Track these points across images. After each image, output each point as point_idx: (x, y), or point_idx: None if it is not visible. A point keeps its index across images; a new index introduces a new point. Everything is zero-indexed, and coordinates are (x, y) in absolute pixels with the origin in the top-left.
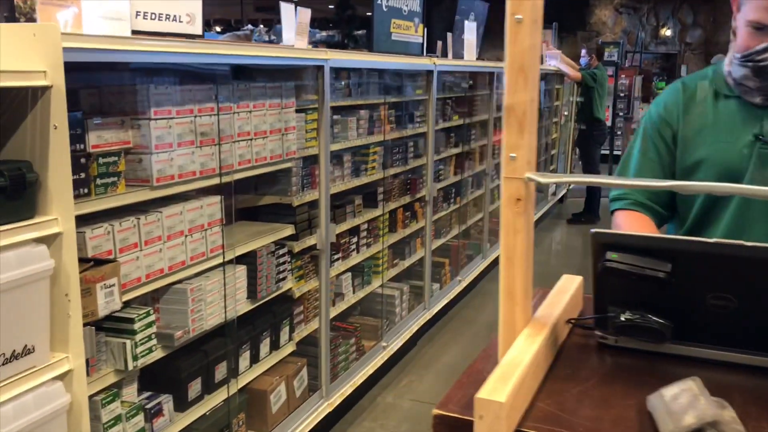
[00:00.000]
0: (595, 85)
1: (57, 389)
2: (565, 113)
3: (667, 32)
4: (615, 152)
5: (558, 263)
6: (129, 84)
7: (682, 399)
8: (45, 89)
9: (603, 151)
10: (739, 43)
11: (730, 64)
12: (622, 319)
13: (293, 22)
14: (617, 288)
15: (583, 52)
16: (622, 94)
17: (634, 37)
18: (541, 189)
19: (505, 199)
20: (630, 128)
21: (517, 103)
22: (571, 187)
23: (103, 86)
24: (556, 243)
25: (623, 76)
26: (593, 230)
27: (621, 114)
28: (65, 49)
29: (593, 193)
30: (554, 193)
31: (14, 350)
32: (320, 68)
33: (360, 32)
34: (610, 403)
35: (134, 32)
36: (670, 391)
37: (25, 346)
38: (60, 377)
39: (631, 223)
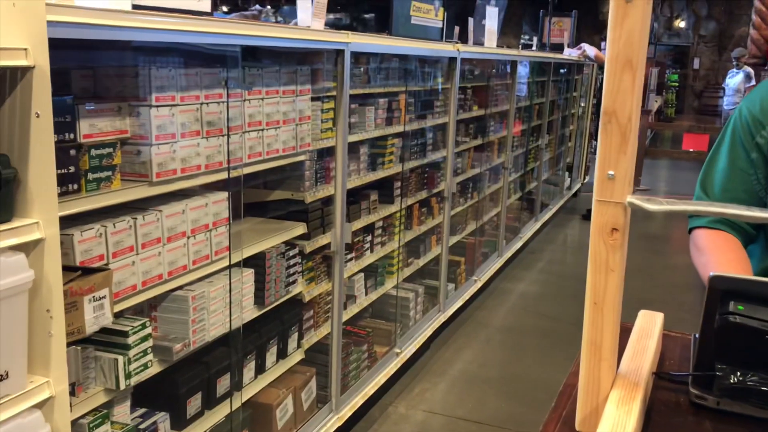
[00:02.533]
0: None
1: (35, 420)
2: (582, 104)
3: (681, 24)
4: None
5: (574, 262)
6: (127, 65)
7: None
8: (26, 70)
9: None
10: None
11: None
12: (733, 380)
13: (308, 1)
14: (734, 345)
15: (605, 42)
16: None
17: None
18: (556, 183)
19: (597, 228)
20: (647, 122)
21: (620, 108)
22: (585, 181)
23: (98, 67)
24: (572, 240)
25: None
26: (712, 273)
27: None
28: (50, 24)
29: None
30: (569, 188)
31: None
32: (340, 52)
33: (368, 15)
34: None
35: (135, 6)
36: None
37: None
38: (39, 405)
39: (718, 246)
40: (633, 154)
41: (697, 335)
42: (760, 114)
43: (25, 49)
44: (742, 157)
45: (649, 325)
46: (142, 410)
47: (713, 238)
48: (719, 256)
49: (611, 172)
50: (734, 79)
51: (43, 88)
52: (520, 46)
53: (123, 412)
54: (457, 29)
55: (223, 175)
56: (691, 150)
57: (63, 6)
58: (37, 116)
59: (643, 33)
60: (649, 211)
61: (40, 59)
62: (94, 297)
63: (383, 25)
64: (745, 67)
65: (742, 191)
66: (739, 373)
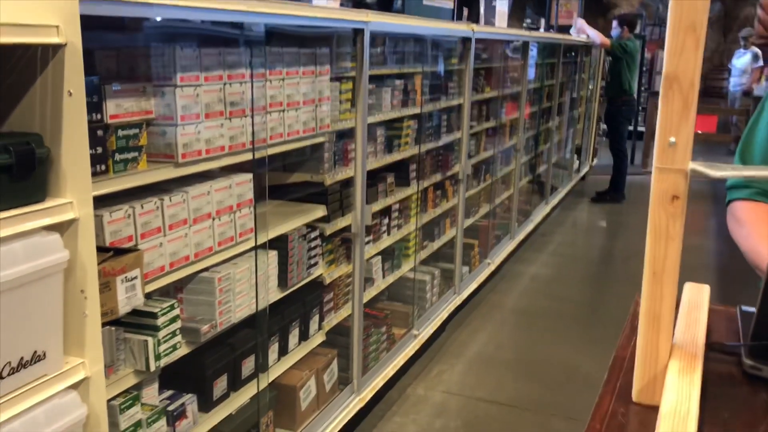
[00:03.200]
0: (625, 56)
1: (72, 400)
2: (590, 87)
3: None
4: (639, 128)
5: (584, 244)
6: (151, 45)
7: None
8: (58, 48)
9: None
10: None
11: None
12: None
13: None
14: None
15: (615, 23)
16: (644, 69)
17: (652, 9)
18: (565, 166)
19: (657, 196)
20: (655, 104)
21: (683, 72)
22: (594, 164)
23: (121, 48)
24: (581, 223)
25: (646, 49)
26: None
27: (644, 88)
28: (83, 0)
29: (620, 171)
30: (578, 170)
31: (22, 357)
32: (359, 32)
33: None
34: None
35: None
36: None
37: (35, 352)
38: (75, 386)
39: (759, 218)
40: (694, 120)
41: (743, 307)
42: None
43: (57, 27)
44: None
45: (697, 297)
46: (170, 392)
47: (754, 210)
48: (761, 229)
49: (673, 139)
50: (741, 60)
51: (75, 65)
52: (525, 29)
53: (151, 394)
54: (466, 11)
55: (247, 156)
56: (699, 132)
57: None
58: (70, 95)
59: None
60: (712, 178)
61: (72, 36)
62: (126, 277)
63: (387, 8)
64: (753, 47)
65: None
66: None
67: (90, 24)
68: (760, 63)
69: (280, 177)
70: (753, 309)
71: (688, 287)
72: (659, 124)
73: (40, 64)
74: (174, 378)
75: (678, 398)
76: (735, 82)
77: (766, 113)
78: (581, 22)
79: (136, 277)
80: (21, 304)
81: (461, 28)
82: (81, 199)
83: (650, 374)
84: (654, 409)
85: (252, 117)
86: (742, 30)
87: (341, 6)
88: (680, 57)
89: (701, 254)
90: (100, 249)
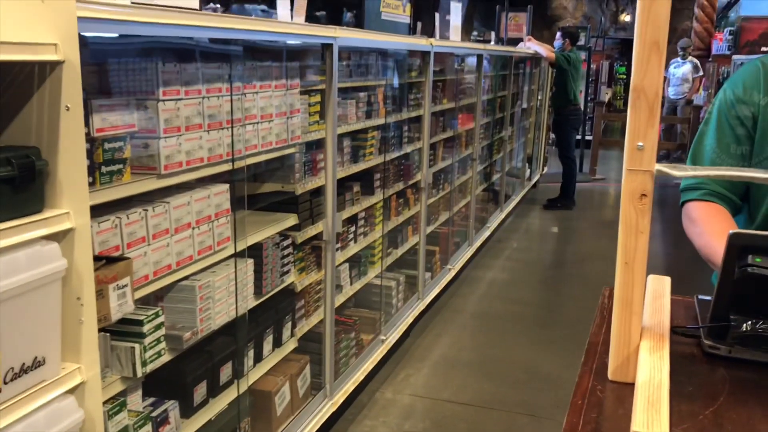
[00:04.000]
0: (569, 67)
1: (69, 405)
2: (539, 97)
3: (626, 18)
4: (587, 137)
5: (538, 249)
6: (133, 61)
7: None
8: (55, 64)
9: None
10: None
11: None
12: (745, 329)
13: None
14: (751, 295)
15: (558, 35)
16: (591, 79)
17: (594, 22)
18: (517, 175)
19: (628, 194)
20: (601, 113)
21: (648, 84)
22: (545, 172)
23: (103, 64)
24: (534, 229)
25: (591, 60)
26: (732, 231)
27: (590, 98)
28: (81, 20)
29: (569, 178)
30: (529, 178)
31: (23, 363)
32: (328, 47)
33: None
34: (757, 429)
35: (134, 2)
36: None
37: (35, 357)
38: (72, 391)
39: (710, 216)
40: (657, 127)
41: (699, 296)
42: (743, 92)
43: (55, 45)
44: (729, 132)
45: (660, 286)
46: (152, 399)
47: (706, 210)
48: (713, 226)
49: (641, 144)
50: (681, 69)
51: (73, 81)
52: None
53: (136, 401)
54: (420, 25)
55: (224, 167)
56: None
57: (94, 1)
58: (67, 109)
59: (667, 17)
60: (676, 177)
61: (70, 54)
62: (117, 285)
63: (356, 22)
64: (690, 57)
65: (728, 164)
66: (751, 322)
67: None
68: (701, 73)
69: (253, 187)
70: (709, 297)
71: (651, 279)
72: (628, 131)
73: (38, 80)
74: (156, 385)
75: (651, 371)
76: (676, 91)
77: (713, 122)
78: (529, 40)
79: (126, 285)
80: (22, 311)
81: (421, 43)
82: (78, 209)
83: (624, 354)
84: (628, 386)
85: (232, 129)
86: (680, 41)
87: (316, 19)
88: (646, 71)
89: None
90: (93, 258)
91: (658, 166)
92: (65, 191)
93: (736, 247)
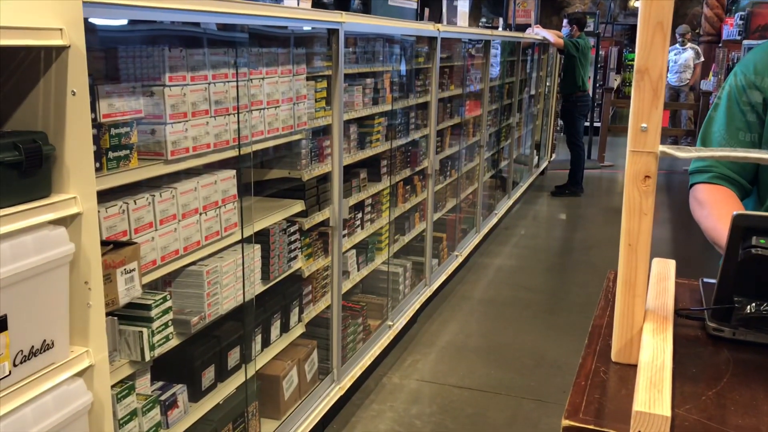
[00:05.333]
0: (578, 54)
1: (78, 387)
2: (548, 83)
3: (636, 3)
4: (595, 124)
5: (546, 236)
6: (140, 47)
7: None
8: (61, 49)
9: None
10: None
11: None
12: (749, 311)
13: None
14: (755, 276)
15: (565, 22)
16: (599, 65)
17: (604, 8)
18: (525, 161)
19: (631, 176)
20: (610, 99)
21: (652, 65)
22: (552, 158)
23: (110, 50)
24: (542, 215)
25: (600, 46)
26: (736, 212)
27: (599, 85)
28: (86, 4)
29: (577, 165)
30: (537, 165)
31: (32, 346)
32: (334, 32)
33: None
34: (761, 410)
35: None
36: None
37: (44, 341)
38: (80, 374)
39: (718, 199)
40: (662, 108)
41: (704, 279)
42: (754, 76)
43: (61, 30)
44: (739, 117)
45: (664, 269)
46: (161, 383)
47: (714, 192)
48: (720, 209)
49: (644, 125)
50: (683, 56)
51: (79, 66)
52: (481, 28)
53: (144, 384)
54: (427, 11)
55: (231, 153)
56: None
57: None
58: (73, 94)
59: None
60: (679, 158)
61: (75, 39)
62: (125, 269)
63: (363, 8)
64: (690, 44)
65: (738, 147)
66: (755, 304)
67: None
68: (702, 59)
69: (259, 173)
70: (714, 281)
71: (656, 262)
72: (632, 112)
73: (44, 65)
74: (164, 369)
75: (654, 353)
76: (677, 78)
77: (723, 105)
78: (537, 28)
79: (134, 269)
80: (31, 294)
81: (428, 28)
82: (84, 194)
83: (627, 336)
84: (631, 367)
85: (238, 114)
86: (678, 27)
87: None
88: (650, 52)
89: (660, 242)
90: (101, 242)
91: (662, 148)
92: (72, 176)
93: (741, 228)
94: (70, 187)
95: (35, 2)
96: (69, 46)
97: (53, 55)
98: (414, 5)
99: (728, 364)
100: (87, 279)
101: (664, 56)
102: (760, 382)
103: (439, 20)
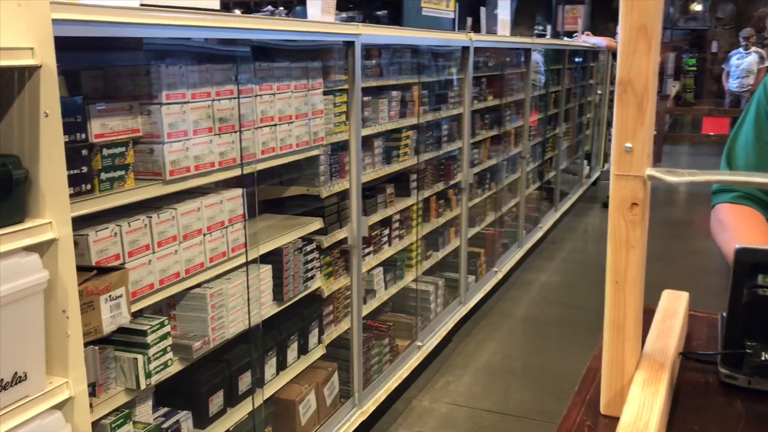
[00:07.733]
0: None
1: (55, 420)
2: (599, 92)
3: (697, 7)
4: None
5: (596, 250)
6: (137, 64)
7: None
8: (33, 69)
9: None
10: None
11: None
12: (764, 358)
13: None
14: (764, 320)
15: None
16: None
17: (663, 12)
18: (575, 172)
19: (616, 203)
20: (666, 107)
21: (635, 75)
22: (605, 168)
23: (108, 68)
24: (593, 228)
25: None
26: (738, 246)
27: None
28: (56, 22)
29: None
30: (588, 176)
31: (2, 380)
32: (350, 45)
33: (382, 12)
34: None
35: (144, 5)
36: None
37: (15, 373)
38: (59, 406)
39: (743, 221)
40: (651, 125)
41: (724, 314)
42: None
43: (31, 49)
44: (767, 131)
45: (674, 304)
46: (165, 410)
47: (737, 213)
48: (744, 231)
49: (629, 145)
50: (746, 60)
51: (51, 87)
52: (535, 37)
53: (145, 412)
54: (470, 21)
55: (237, 172)
56: (712, 134)
57: (68, 4)
58: (46, 116)
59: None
60: (670, 183)
61: (46, 58)
62: (110, 296)
63: (395, 20)
64: (754, 48)
65: (767, 164)
66: None
67: (74, 44)
68: (767, 63)
69: (276, 191)
70: None
71: (666, 295)
72: (615, 131)
73: (17, 86)
74: (169, 395)
75: (639, 410)
76: (739, 83)
77: (751, 117)
78: (586, 35)
79: (121, 296)
80: (1, 324)
81: (459, 38)
82: (60, 219)
83: (617, 386)
84: None
85: (240, 133)
86: (742, 30)
87: (350, 20)
88: (632, 60)
89: (714, 257)
90: (84, 268)
91: (649, 171)
92: (47, 201)
93: (746, 264)
94: (45, 213)
95: (2, 20)
96: (40, 66)
97: (26, 75)
98: (451, 15)
99: (740, 419)
100: (65, 307)
101: (650, 65)
102: None
103: (479, 30)
